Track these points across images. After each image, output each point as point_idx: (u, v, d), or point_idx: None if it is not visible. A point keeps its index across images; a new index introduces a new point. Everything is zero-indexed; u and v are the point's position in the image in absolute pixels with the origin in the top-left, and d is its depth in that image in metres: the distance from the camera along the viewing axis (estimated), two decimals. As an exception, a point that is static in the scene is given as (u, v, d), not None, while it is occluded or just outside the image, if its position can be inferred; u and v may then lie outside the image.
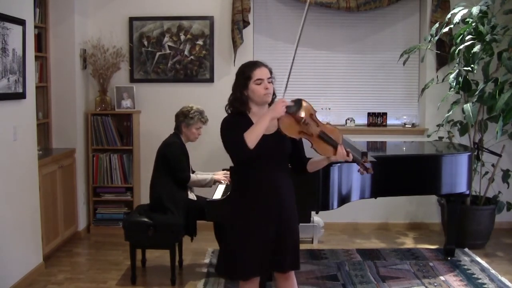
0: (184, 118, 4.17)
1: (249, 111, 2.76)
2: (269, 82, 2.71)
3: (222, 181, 4.25)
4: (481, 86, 4.70)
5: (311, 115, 2.66)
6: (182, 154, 4.14)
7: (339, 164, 3.62)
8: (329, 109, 5.54)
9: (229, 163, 4.50)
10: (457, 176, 4.34)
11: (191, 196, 4.23)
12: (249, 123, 2.68)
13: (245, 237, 2.72)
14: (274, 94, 2.80)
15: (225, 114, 5.70)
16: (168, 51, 5.43)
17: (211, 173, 4.36)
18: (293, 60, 2.83)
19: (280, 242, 2.74)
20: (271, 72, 2.75)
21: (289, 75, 2.80)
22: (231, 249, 2.76)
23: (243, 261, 2.71)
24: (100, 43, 5.23)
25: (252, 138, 2.57)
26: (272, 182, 2.72)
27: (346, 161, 2.71)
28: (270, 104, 2.75)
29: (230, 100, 2.79)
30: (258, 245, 2.71)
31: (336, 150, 2.65)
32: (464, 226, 4.80)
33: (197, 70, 5.44)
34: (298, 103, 2.66)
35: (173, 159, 4.07)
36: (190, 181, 4.14)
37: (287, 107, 2.61)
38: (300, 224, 2.94)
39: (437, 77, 5.25)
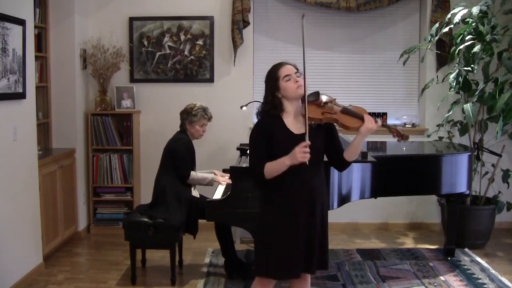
0: (188, 115, 4.18)
1: (282, 112, 2.76)
2: (297, 76, 2.73)
3: (222, 183, 4.26)
4: (481, 86, 4.70)
5: (331, 101, 2.73)
6: (187, 150, 4.15)
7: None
8: (329, 109, 5.54)
9: (230, 162, 4.53)
10: (457, 176, 4.35)
11: (195, 193, 4.24)
12: (281, 125, 2.72)
13: (277, 237, 2.72)
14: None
15: (226, 113, 5.69)
16: (168, 51, 5.43)
17: (212, 172, 4.37)
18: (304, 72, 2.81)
19: (311, 243, 2.73)
20: (297, 68, 2.77)
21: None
22: (264, 250, 2.77)
23: (277, 261, 2.72)
24: (100, 43, 5.22)
25: (271, 173, 2.68)
26: (304, 182, 2.71)
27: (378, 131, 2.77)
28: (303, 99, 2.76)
29: (261, 107, 2.80)
30: (290, 245, 2.71)
31: (363, 120, 2.68)
32: (464, 226, 4.80)
33: (197, 70, 5.44)
34: (316, 93, 2.75)
35: (177, 154, 4.09)
36: (190, 179, 4.14)
37: (308, 96, 2.69)
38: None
39: (437, 77, 5.25)
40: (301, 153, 2.56)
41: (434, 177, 4.27)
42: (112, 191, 5.38)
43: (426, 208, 5.55)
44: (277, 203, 2.75)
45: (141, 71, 5.45)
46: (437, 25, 4.93)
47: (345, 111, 2.73)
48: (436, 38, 4.99)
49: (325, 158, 2.87)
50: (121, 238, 4.27)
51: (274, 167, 2.66)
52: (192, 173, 4.17)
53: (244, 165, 3.84)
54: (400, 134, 2.82)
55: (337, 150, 2.81)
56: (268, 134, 2.70)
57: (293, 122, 2.74)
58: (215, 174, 4.38)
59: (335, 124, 2.77)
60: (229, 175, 4.08)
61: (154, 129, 5.42)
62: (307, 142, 2.56)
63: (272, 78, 2.74)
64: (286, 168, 2.63)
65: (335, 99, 2.76)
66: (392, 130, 2.83)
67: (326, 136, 2.78)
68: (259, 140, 2.73)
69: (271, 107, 2.74)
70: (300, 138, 2.66)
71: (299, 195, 2.72)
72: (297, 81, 2.70)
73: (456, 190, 4.37)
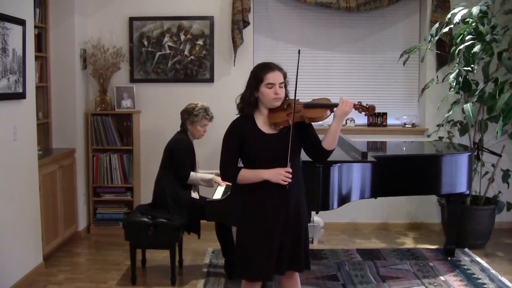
0: (189, 115, 4.17)
1: (255, 111, 2.77)
2: (280, 87, 2.71)
3: (222, 184, 4.26)
4: (481, 86, 4.70)
5: (293, 101, 2.71)
6: (187, 151, 4.15)
7: (339, 164, 3.62)
8: (329, 109, 5.54)
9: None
10: (457, 176, 4.35)
11: (194, 195, 4.23)
12: (253, 126, 2.73)
13: (253, 237, 2.73)
14: (287, 96, 2.80)
15: (226, 113, 5.69)
16: (168, 51, 5.43)
17: (213, 172, 4.37)
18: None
19: (288, 242, 2.73)
20: (285, 77, 2.76)
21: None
22: (242, 250, 2.78)
23: (252, 262, 2.72)
24: (100, 43, 5.22)
25: (244, 180, 2.72)
26: (279, 183, 2.68)
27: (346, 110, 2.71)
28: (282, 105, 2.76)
29: (240, 97, 2.81)
30: (266, 246, 2.71)
31: (327, 108, 2.70)
32: (464, 226, 4.80)
33: (197, 70, 5.44)
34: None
35: (177, 155, 4.09)
36: (190, 179, 4.14)
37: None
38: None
39: (437, 77, 5.25)
40: (284, 177, 2.63)
41: (434, 177, 4.27)
42: (112, 191, 5.38)
43: (426, 208, 5.55)
44: (252, 203, 2.76)
45: (141, 71, 5.45)
46: (437, 25, 4.93)
47: (308, 105, 2.74)
48: (436, 38, 4.98)
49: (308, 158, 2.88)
50: (121, 238, 4.27)
51: (249, 176, 2.71)
52: (192, 173, 4.17)
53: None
54: (364, 108, 2.76)
55: (314, 144, 2.79)
56: (241, 136, 2.72)
57: (264, 122, 2.76)
58: (216, 175, 4.38)
59: (303, 120, 2.74)
60: None
61: (154, 129, 5.42)
62: (289, 169, 2.64)
63: (256, 78, 2.73)
64: (261, 180, 2.67)
65: (298, 99, 2.75)
66: (357, 107, 2.75)
67: (300, 134, 2.76)
68: (232, 142, 2.76)
69: (246, 103, 2.75)
70: (270, 137, 2.70)
71: (274, 196, 2.71)
72: (277, 93, 2.69)
73: (456, 190, 4.37)
